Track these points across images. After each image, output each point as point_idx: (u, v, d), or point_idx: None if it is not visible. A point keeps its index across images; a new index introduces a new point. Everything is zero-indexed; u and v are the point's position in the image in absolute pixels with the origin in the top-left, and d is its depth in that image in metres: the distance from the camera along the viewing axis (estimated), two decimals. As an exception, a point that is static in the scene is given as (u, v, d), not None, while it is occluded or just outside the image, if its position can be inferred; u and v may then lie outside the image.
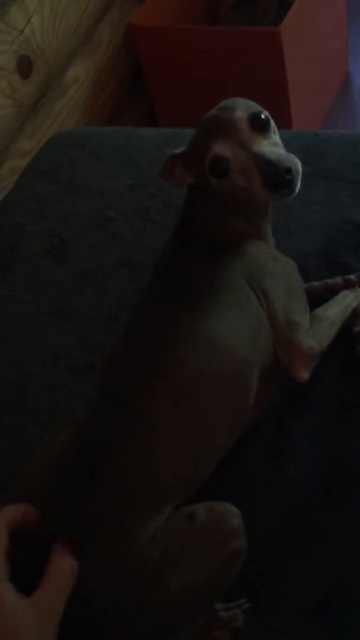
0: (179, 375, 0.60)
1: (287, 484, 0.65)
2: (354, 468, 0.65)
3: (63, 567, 0.51)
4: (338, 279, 0.78)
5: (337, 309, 0.72)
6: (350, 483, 0.64)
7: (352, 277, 0.78)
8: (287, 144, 0.98)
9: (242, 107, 0.65)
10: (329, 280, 0.79)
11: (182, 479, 0.58)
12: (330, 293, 0.77)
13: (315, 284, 0.79)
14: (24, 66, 1.44)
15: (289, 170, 0.59)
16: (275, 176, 0.58)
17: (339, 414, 0.69)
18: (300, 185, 0.61)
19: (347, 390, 0.70)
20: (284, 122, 1.69)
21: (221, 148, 0.62)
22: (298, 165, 0.61)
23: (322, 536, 0.62)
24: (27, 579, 0.50)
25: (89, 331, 0.84)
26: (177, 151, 0.70)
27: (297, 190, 0.61)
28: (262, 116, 0.64)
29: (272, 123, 0.66)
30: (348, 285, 0.77)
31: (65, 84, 1.58)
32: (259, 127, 0.64)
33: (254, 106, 0.67)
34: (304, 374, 0.66)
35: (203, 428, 0.60)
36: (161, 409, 0.59)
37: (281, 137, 0.99)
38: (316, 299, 0.76)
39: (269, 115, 0.65)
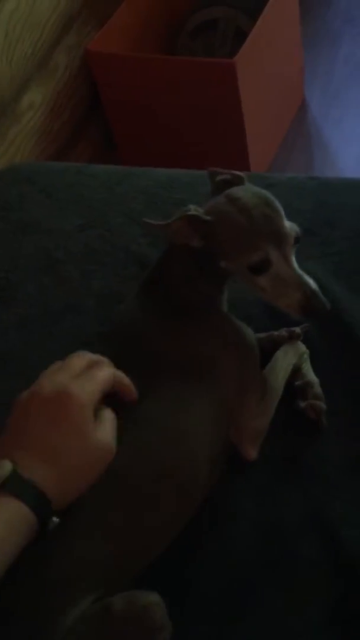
0: (131, 465, 0.61)
1: (227, 544, 0.65)
2: (291, 528, 0.65)
3: None
4: (283, 332, 0.79)
5: (281, 374, 0.73)
6: (289, 545, 0.65)
7: (297, 329, 0.79)
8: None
9: (284, 215, 0.69)
10: (275, 333, 0.80)
11: (106, 571, 0.57)
12: (274, 345, 0.78)
13: (261, 335, 0.80)
14: (-23, 93, 1.42)
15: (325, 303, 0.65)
16: (315, 306, 0.65)
17: (279, 473, 0.69)
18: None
19: (289, 447, 0.71)
20: (240, 151, 1.71)
21: (273, 254, 0.66)
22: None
23: (260, 597, 0.62)
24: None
25: (33, 381, 0.83)
26: (197, 213, 0.67)
27: None
28: (300, 236, 0.69)
29: None
30: (292, 338, 0.78)
31: (20, 110, 1.57)
32: (295, 244, 0.69)
33: (283, 217, 0.69)
34: (253, 453, 0.68)
35: (140, 524, 0.60)
36: (98, 494, 0.58)
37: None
38: (261, 352, 0.77)
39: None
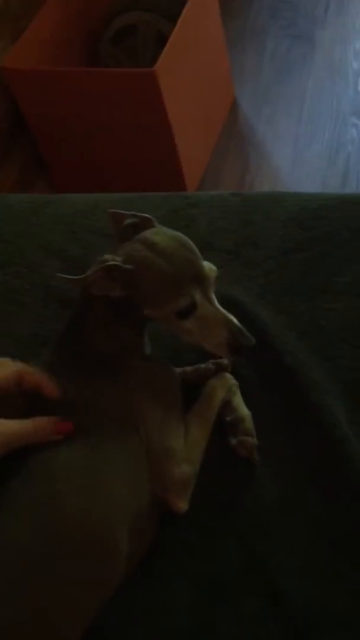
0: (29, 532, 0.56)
1: (164, 606, 0.61)
2: (231, 584, 0.62)
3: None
4: (210, 364, 0.76)
5: (208, 414, 0.69)
6: (229, 600, 0.61)
7: (225, 361, 0.76)
8: (156, 209, 0.96)
9: (200, 256, 0.68)
10: (202, 365, 0.76)
11: None
12: (202, 378, 0.74)
13: (188, 369, 0.76)
14: None
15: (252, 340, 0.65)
16: (242, 342, 0.65)
17: (214, 521, 0.65)
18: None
19: (223, 492, 0.67)
20: (171, 160, 1.67)
21: (197, 297, 0.65)
22: None
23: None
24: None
25: None
26: (116, 263, 0.64)
27: None
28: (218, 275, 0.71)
29: None
30: (220, 370, 0.75)
31: None
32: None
33: (201, 258, 0.68)
34: (182, 505, 0.64)
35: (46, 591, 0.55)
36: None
37: (151, 201, 0.97)
38: (189, 385, 0.73)
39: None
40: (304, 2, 2.23)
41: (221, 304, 0.83)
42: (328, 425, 0.69)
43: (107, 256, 0.66)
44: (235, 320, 0.66)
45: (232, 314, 0.81)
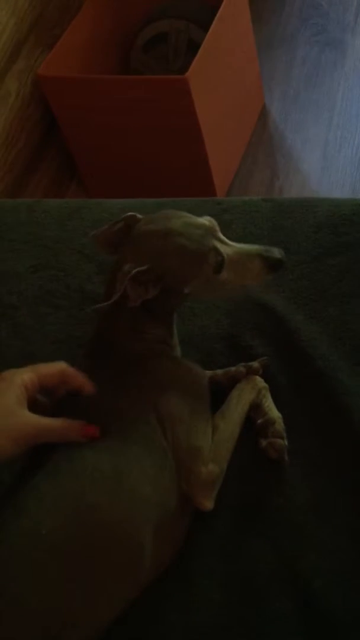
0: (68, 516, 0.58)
1: (194, 607, 0.62)
2: (262, 583, 0.63)
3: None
4: (240, 367, 0.77)
5: (236, 415, 0.70)
6: (259, 600, 0.62)
7: (255, 363, 0.77)
8: (190, 214, 0.97)
9: (193, 216, 0.72)
10: (232, 369, 0.77)
11: None
12: (233, 381, 0.76)
13: (219, 372, 0.77)
14: None
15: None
16: (276, 258, 0.70)
17: (244, 522, 0.66)
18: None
19: (253, 492, 0.68)
20: (202, 165, 1.68)
21: (219, 246, 0.69)
22: None
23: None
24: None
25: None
26: (137, 268, 0.65)
27: None
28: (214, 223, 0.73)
29: None
30: (250, 373, 0.76)
31: (-28, 144, 1.53)
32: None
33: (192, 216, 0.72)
34: (208, 504, 0.65)
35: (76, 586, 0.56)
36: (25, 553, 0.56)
37: (183, 207, 0.99)
38: (219, 388, 0.75)
39: None
40: (335, 8, 2.23)
41: (253, 309, 0.85)
42: None
43: (126, 267, 0.66)
44: (255, 245, 0.71)
45: (264, 318, 0.83)
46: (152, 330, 0.70)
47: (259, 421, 0.72)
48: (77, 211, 1.04)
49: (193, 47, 1.69)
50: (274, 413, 0.73)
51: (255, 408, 0.73)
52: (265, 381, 0.75)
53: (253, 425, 0.72)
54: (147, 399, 0.66)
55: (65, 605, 0.56)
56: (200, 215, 0.96)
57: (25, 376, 0.62)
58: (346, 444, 0.70)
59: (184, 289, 0.68)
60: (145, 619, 0.62)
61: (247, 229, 0.93)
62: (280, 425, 0.71)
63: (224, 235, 0.71)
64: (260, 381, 0.75)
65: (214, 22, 1.62)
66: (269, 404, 0.74)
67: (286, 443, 0.70)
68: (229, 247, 0.70)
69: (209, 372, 0.76)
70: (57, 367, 0.65)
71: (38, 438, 0.62)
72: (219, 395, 0.74)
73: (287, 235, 0.90)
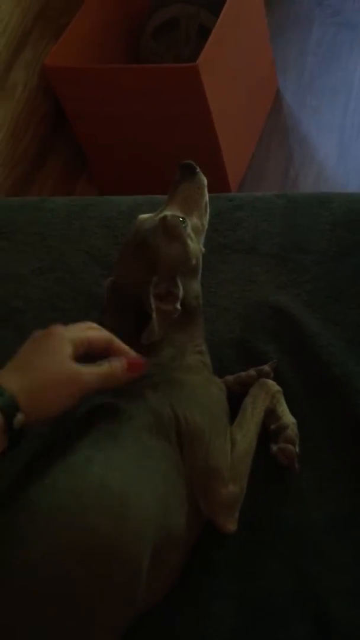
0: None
1: (208, 629, 0.60)
2: (279, 606, 0.60)
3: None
4: (252, 372, 0.74)
5: (252, 426, 0.67)
6: (276, 624, 0.59)
7: (266, 367, 0.73)
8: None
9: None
10: (243, 374, 0.74)
11: None
12: (244, 386, 0.72)
13: (229, 378, 0.74)
14: None
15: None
16: (184, 164, 0.79)
17: (259, 540, 0.63)
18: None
19: (268, 507, 0.65)
20: (213, 154, 1.64)
21: (170, 214, 0.73)
22: None
23: None
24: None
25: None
26: (152, 290, 0.68)
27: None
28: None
29: None
30: (261, 376, 0.73)
31: (-21, 138, 1.50)
32: None
33: None
34: (230, 526, 0.62)
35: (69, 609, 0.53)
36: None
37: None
38: (231, 395, 0.71)
39: None
40: (350, -12, 2.16)
41: (266, 312, 0.81)
42: (379, 441, 0.66)
43: (152, 301, 0.67)
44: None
45: (278, 320, 0.79)
46: (176, 335, 0.69)
47: (272, 427, 0.69)
48: (84, 209, 1.01)
49: (204, 33, 1.64)
50: (288, 418, 0.70)
51: (269, 413, 0.69)
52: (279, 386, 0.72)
53: (266, 431, 0.69)
54: (164, 413, 0.63)
55: (59, 633, 0.53)
56: (210, 211, 0.93)
57: (75, 335, 0.63)
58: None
59: (191, 261, 0.71)
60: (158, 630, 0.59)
61: (260, 226, 0.89)
62: (293, 431, 0.68)
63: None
64: (273, 385, 0.72)
65: (225, 7, 1.56)
66: (283, 409, 0.70)
67: (298, 450, 0.67)
68: (174, 207, 0.74)
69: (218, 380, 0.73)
70: (106, 334, 0.65)
71: (91, 388, 0.62)
72: (230, 401, 0.71)
73: (302, 234, 0.86)
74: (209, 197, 0.98)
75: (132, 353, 0.65)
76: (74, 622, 0.53)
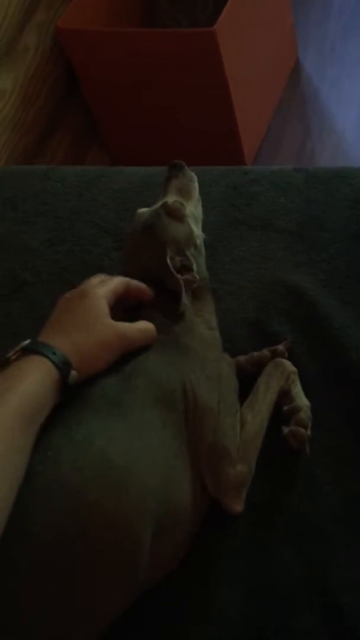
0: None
1: (214, 615, 0.59)
2: (286, 593, 0.58)
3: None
4: (265, 351, 0.71)
5: (264, 407, 0.65)
6: (283, 613, 0.58)
7: (280, 347, 0.71)
8: (214, 184, 0.91)
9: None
10: (255, 353, 0.72)
11: None
12: (257, 366, 0.70)
13: (241, 358, 0.72)
14: None
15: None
16: (173, 164, 0.80)
17: (269, 524, 0.62)
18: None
19: (279, 493, 0.64)
20: (228, 123, 1.59)
21: (172, 200, 0.76)
22: None
23: None
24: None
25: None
26: (170, 263, 0.70)
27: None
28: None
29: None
30: (275, 356, 0.71)
31: (-11, 101, 1.46)
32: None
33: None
34: (238, 507, 0.60)
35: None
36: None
37: (208, 176, 0.92)
38: (244, 375, 0.69)
39: None
40: None
41: (281, 291, 0.79)
42: None
43: (174, 272, 0.70)
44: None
45: (293, 301, 0.77)
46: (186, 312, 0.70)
47: (285, 408, 0.67)
48: (95, 180, 0.98)
49: (222, -3, 1.58)
50: (302, 400, 0.67)
51: (283, 394, 0.67)
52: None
53: (279, 412, 0.67)
54: (179, 386, 0.62)
55: (54, 610, 0.52)
56: (225, 185, 0.90)
57: (104, 291, 0.66)
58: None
59: (194, 233, 0.74)
60: (160, 628, 0.58)
61: (277, 201, 0.86)
62: (306, 414, 0.66)
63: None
64: (289, 365, 0.69)
65: (245, -31, 1.50)
66: (298, 391, 0.68)
67: (309, 433, 0.65)
68: (171, 194, 0.76)
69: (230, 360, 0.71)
70: (121, 278, 0.69)
71: (134, 344, 0.64)
72: (242, 382, 0.69)
73: (320, 210, 0.83)
74: (223, 170, 0.95)
75: (147, 289, 0.69)
76: (74, 592, 0.52)
